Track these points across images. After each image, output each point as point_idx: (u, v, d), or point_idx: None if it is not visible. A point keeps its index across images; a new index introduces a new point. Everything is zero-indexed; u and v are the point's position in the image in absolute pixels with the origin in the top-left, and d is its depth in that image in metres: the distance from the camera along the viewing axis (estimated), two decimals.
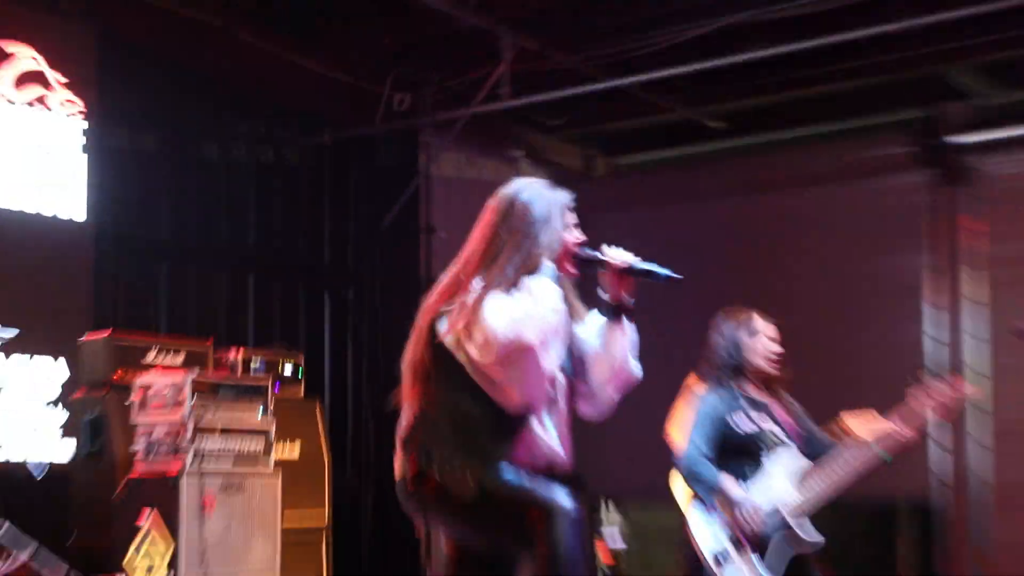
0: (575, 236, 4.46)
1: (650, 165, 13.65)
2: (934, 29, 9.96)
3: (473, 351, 4.20)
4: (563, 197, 4.48)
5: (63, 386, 8.94)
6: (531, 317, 4.14)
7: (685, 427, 6.35)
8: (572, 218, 4.49)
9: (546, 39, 10.52)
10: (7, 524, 6.85)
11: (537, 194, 4.47)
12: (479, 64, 10.95)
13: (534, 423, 4.40)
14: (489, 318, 4.15)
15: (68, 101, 9.37)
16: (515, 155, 12.35)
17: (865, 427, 6.08)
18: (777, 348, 6.29)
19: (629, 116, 12.51)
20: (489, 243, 4.40)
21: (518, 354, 4.13)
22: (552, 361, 4.22)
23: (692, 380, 6.90)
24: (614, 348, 4.54)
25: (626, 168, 13.70)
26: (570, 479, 4.74)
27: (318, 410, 9.85)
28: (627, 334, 4.55)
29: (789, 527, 5.97)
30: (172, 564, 7.42)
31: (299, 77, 11.00)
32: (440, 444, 4.33)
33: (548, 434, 4.46)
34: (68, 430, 8.83)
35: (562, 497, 4.22)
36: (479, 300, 4.24)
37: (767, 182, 12.33)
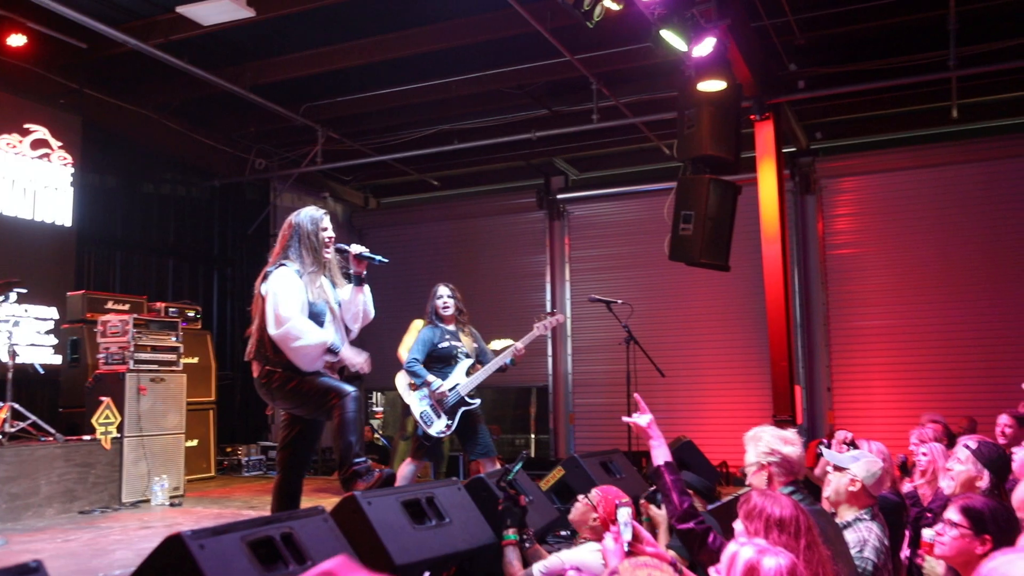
0: (329, 236, 4.57)
1: (400, 204, 13.53)
2: (548, 140, 10.40)
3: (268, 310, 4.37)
4: (320, 215, 4.60)
5: (55, 322, 8.72)
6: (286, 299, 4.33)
7: (409, 347, 6.58)
8: (328, 225, 4.60)
9: (342, 132, 10.54)
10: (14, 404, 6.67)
11: (307, 215, 4.58)
12: (305, 144, 10.90)
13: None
14: (273, 288, 4.38)
15: (62, 157, 9.15)
16: (324, 195, 12.32)
17: (503, 348, 6.34)
18: (447, 303, 6.30)
19: (388, 176, 12.52)
20: (284, 240, 4.55)
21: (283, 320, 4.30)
22: (298, 310, 4.36)
23: (413, 323, 7.20)
24: (357, 301, 4.66)
25: (387, 205, 13.60)
26: (352, 374, 4.91)
27: (208, 337, 9.73)
28: (364, 293, 4.67)
29: (461, 397, 6.13)
30: (120, 427, 7.29)
31: (202, 148, 10.80)
32: (274, 355, 4.41)
33: (341, 340, 4.57)
34: (58, 348, 8.63)
35: (347, 385, 4.39)
36: (273, 269, 4.44)
37: (461, 215, 12.49)
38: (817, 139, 10.87)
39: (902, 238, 10.07)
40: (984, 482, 3.51)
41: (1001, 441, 5.19)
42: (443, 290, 6.38)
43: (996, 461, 3.55)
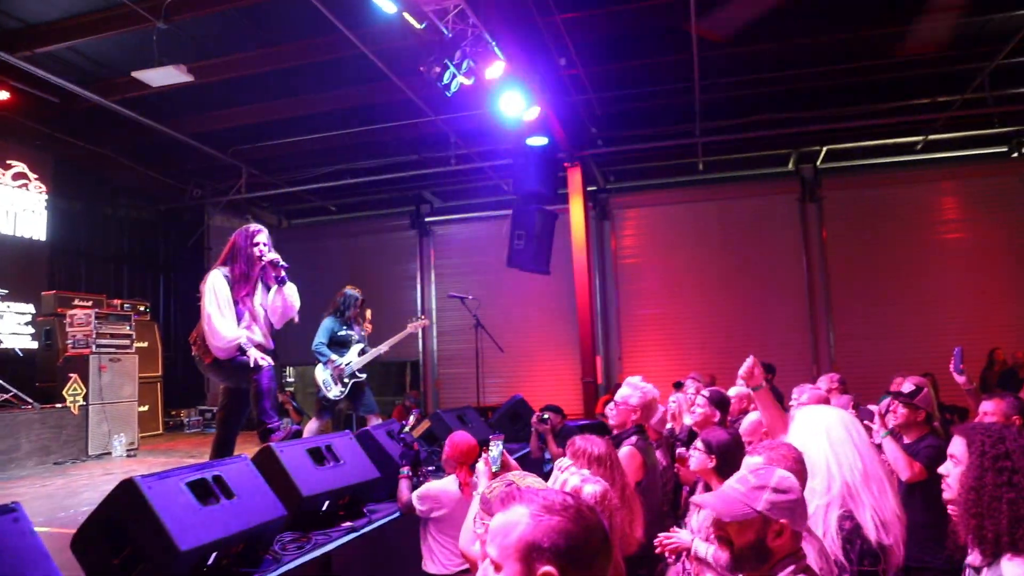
0: (260, 249, 4.39)
1: (307, 225, 13.03)
2: (418, 177, 10.50)
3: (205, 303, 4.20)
4: (255, 229, 4.46)
5: (32, 315, 8.31)
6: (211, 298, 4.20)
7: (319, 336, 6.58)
8: (261, 240, 4.42)
9: (261, 169, 10.31)
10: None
11: (245, 230, 4.45)
12: (232, 178, 10.58)
13: (247, 328, 4.37)
14: (205, 288, 4.21)
15: (38, 186, 8.77)
16: (247, 217, 11.96)
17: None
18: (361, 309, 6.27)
19: (297, 203, 12.24)
20: (228, 249, 4.41)
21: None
22: (221, 307, 4.19)
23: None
24: (278, 300, 4.51)
25: (297, 226, 13.08)
26: (270, 352, 4.77)
27: (155, 327, 9.37)
28: (284, 293, 4.50)
29: (353, 371, 6.13)
30: (86, 396, 7.06)
31: (150, 180, 10.36)
32: (208, 336, 4.29)
33: (256, 332, 4.43)
34: (35, 335, 8.21)
35: (264, 360, 4.27)
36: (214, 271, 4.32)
37: (352, 233, 12.24)
38: (611, 181, 11.38)
39: (669, 252, 10.68)
40: (716, 417, 4.01)
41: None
42: (360, 299, 6.30)
43: (722, 403, 4.08)
